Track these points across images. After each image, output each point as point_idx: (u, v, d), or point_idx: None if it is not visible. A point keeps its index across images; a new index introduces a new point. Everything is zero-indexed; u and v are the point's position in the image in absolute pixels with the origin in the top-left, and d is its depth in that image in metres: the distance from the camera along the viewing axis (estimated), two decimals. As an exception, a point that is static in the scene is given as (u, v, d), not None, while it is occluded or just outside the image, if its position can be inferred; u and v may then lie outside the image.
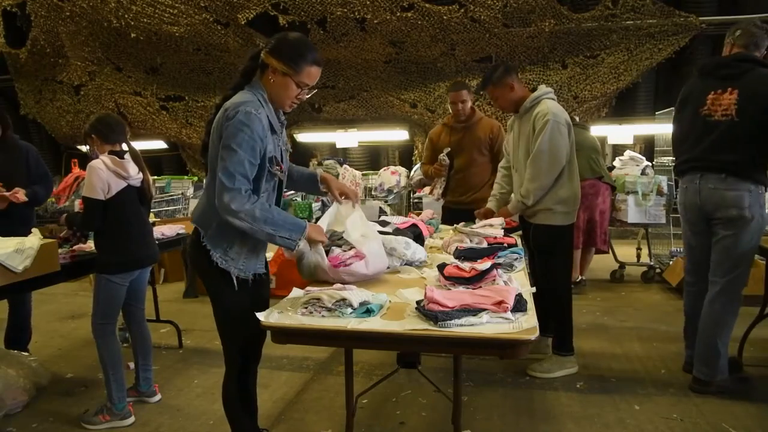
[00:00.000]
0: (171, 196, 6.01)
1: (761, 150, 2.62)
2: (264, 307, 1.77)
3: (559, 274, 3.09)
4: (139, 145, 6.68)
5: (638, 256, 5.46)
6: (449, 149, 3.61)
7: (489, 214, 3.12)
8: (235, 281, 1.88)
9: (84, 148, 2.77)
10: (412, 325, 1.53)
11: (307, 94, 1.89)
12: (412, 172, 5.22)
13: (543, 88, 3.00)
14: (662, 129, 5.27)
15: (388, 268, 2.18)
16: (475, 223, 2.94)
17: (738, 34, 2.71)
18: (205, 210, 1.90)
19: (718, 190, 2.64)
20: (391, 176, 5.34)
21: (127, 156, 2.62)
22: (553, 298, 3.07)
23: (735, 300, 2.74)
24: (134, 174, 2.61)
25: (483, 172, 3.68)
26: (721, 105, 2.63)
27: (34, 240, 2.47)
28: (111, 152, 2.57)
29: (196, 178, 6.18)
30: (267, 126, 1.79)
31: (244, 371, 2.04)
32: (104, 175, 2.50)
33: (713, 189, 2.65)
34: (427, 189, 4.71)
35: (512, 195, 3.18)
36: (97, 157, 2.56)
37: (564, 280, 3.11)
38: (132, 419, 2.64)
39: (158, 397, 2.88)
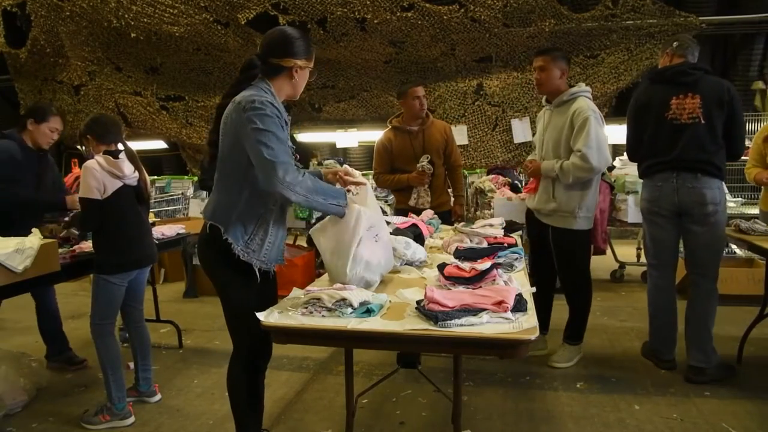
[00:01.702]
0: (171, 196, 6.01)
1: (726, 148, 2.87)
2: (273, 303, 1.80)
3: (581, 271, 3.20)
4: (139, 145, 6.74)
5: (638, 256, 5.46)
6: (428, 156, 3.50)
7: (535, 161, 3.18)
8: (257, 273, 1.90)
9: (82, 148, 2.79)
10: (412, 325, 1.53)
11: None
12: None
13: (582, 86, 3.10)
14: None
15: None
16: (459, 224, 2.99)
17: (676, 45, 2.96)
18: (221, 205, 1.91)
19: (696, 189, 2.85)
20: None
21: (122, 155, 2.60)
22: (578, 293, 3.21)
23: (716, 286, 2.96)
24: (129, 173, 2.59)
25: (442, 175, 3.70)
26: (686, 109, 2.85)
27: (34, 240, 2.47)
28: (106, 152, 2.56)
29: (196, 178, 6.17)
30: (282, 116, 1.86)
31: (255, 369, 2.06)
32: (99, 175, 2.49)
33: (691, 188, 2.85)
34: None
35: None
36: (92, 158, 2.56)
37: (586, 276, 3.24)
38: (132, 419, 2.64)
39: (158, 397, 2.89)
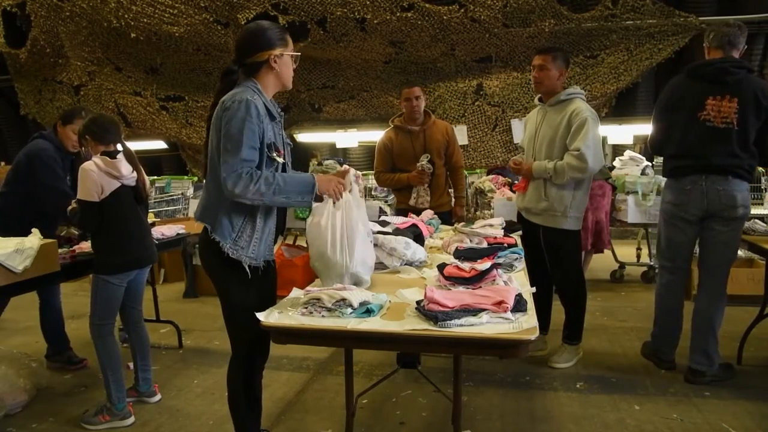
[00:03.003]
0: (171, 196, 6.00)
1: (759, 154, 2.78)
2: (271, 302, 1.80)
3: (573, 270, 3.17)
4: (139, 145, 6.74)
5: (638, 256, 5.45)
6: (428, 155, 3.52)
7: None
8: (247, 269, 1.90)
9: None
10: (412, 325, 1.54)
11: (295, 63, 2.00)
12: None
13: (577, 88, 3.08)
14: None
15: (386, 268, 2.17)
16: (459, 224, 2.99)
17: (711, 36, 2.80)
18: (208, 204, 1.93)
19: (726, 191, 2.75)
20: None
21: (120, 156, 2.59)
22: (571, 293, 3.19)
23: (725, 290, 2.90)
24: (127, 173, 2.58)
25: (443, 175, 3.71)
26: (721, 112, 2.72)
27: (34, 240, 2.47)
28: (104, 152, 2.55)
29: (196, 178, 6.17)
30: (264, 112, 1.85)
31: (252, 369, 2.05)
32: (96, 176, 2.49)
33: (722, 190, 2.76)
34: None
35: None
36: (91, 158, 2.56)
37: (579, 274, 3.21)
38: (132, 419, 2.64)
39: (158, 397, 2.89)
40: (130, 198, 2.64)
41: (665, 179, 3.04)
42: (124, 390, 2.66)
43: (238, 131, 1.77)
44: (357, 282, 1.93)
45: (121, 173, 2.55)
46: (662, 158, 3.08)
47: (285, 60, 1.93)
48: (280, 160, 1.92)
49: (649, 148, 3.16)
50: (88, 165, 2.50)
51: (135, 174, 2.64)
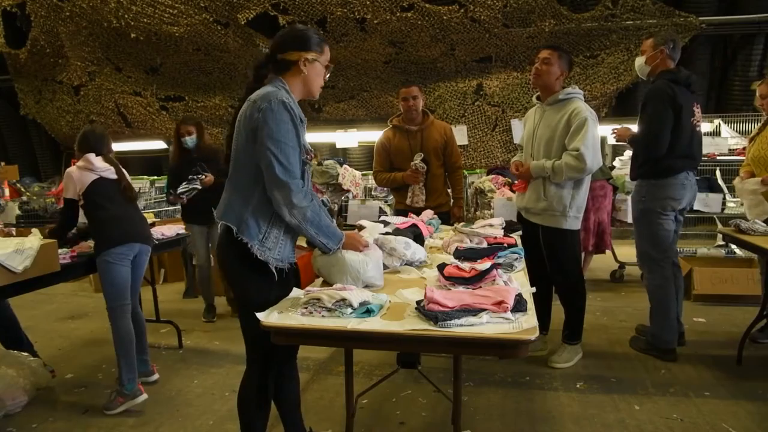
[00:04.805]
0: (171, 196, 5.98)
1: None
2: None
3: (573, 270, 3.18)
4: (139, 145, 6.71)
5: (638, 257, 5.45)
6: (422, 154, 3.53)
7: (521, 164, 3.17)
8: (274, 271, 1.86)
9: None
10: (412, 325, 1.54)
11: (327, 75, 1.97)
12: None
13: (576, 88, 3.09)
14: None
15: (386, 268, 2.20)
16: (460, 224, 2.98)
17: (672, 47, 3.12)
18: (233, 205, 1.86)
19: (696, 187, 3.26)
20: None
21: (93, 155, 2.81)
22: (570, 293, 3.21)
23: None
24: (101, 166, 2.80)
25: (441, 175, 3.69)
26: (696, 116, 3.14)
27: (34, 240, 2.47)
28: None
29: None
30: (297, 114, 1.82)
31: (269, 369, 1.99)
32: (75, 175, 2.76)
33: (695, 187, 3.24)
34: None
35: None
36: None
37: (579, 274, 3.24)
38: (144, 396, 2.77)
39: (156, 376, 3.07)
40: (113, 189, 2.83)
41: (655, 178, 3.14)
42: (135, 371, 2.79)
43: (285, 137, 1.75)
44: (368, 285, 1.96)
45: (95, 166, 2.78)
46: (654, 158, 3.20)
47: (316, 67, 1.89)
48: (313, 162, 1.91)
49: (652, 148, 3.09)
50: (69, 169, 2.81)
51: (112, 168, 2.84)
